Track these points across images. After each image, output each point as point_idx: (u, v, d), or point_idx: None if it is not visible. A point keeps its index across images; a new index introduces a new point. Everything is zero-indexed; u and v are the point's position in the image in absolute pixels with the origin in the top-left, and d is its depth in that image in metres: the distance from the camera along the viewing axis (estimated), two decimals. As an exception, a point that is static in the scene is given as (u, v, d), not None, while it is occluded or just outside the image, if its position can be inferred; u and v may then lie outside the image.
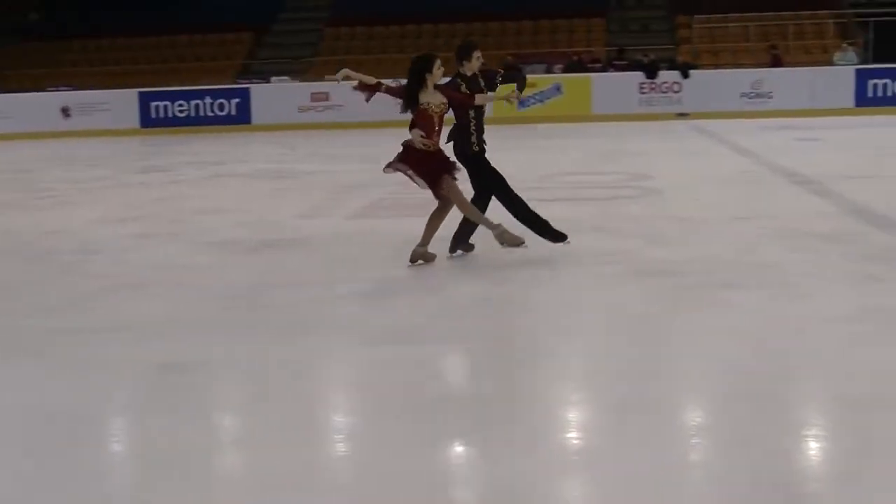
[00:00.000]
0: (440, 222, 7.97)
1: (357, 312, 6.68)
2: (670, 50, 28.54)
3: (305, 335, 6.05)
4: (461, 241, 8.27)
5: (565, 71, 26.54)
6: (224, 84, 27.87)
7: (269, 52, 32.22)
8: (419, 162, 7.75)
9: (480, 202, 8.14)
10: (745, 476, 3.83)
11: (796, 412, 4.65)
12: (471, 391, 5.11)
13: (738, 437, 4.23)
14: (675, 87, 25.00)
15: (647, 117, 24.26)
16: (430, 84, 7.78)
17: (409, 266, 7.87)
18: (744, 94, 24.82)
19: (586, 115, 24.39)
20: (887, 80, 24.59)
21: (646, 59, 25.75)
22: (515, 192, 8.22)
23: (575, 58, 27.15)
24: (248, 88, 26.85)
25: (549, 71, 26.89)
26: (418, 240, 7.95)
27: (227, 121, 26.20)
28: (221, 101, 26.39)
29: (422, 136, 7.72)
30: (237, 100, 26.36)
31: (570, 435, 4.43)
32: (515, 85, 8.49)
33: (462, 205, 7.86)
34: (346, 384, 5.33)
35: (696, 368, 5.26)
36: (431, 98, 7.79)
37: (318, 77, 28.50)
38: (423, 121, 7.78)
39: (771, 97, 24.67)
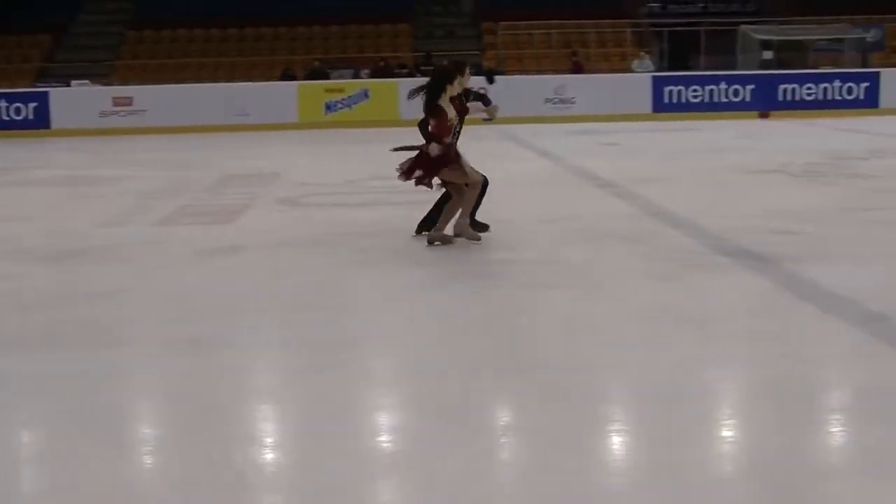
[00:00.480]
0: (457, 210, 8.49)
1: (156, 322, 6.54)
2: (476, 56, 29.00)
3: (108, 347, 5.89)
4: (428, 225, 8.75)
5: (372, 76, 26.63)
6: (21, 87, 26.79)
7: (68, 54, 31.13)
8: (432, 165, 8.33)
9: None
10: (554, 475, 3.92)
11: (600, 409, 4.80)
12: (275, 395, 5.08)
13: (547, 437, 4.34)
14: (481, 93, 25.37)
15: (455, 122, 24.57)
16: (451, 93, 8.41)
17: (427, 247, 8.37)
18: (548, 100, 25.44)
19: (394, 119, 24.50)
20: (681, 87, 25.66)
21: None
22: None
23: (381, 63, 27.28)
24: (46, 92, 25.86)
25: (356, 76, 26.94)
26: (226, 246, 7.87)
27: (25, 125, 25.18)
28: (18, 105, 25.35)
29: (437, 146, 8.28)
30: (35, 104, 25.36)
31: (382, 438, 4.46)
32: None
33: (471, 187, 8.39)
34: (148, 394, 5.21)
35: (502, 368, 5.37)
36: (449, 108, 8.34)
37: (122, 81, 27.82)
38: (443, 129, 8.41)
39: (574, 102, 25.37)
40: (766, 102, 25.70)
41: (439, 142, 8.41)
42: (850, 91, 25.87)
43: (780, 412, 4.59)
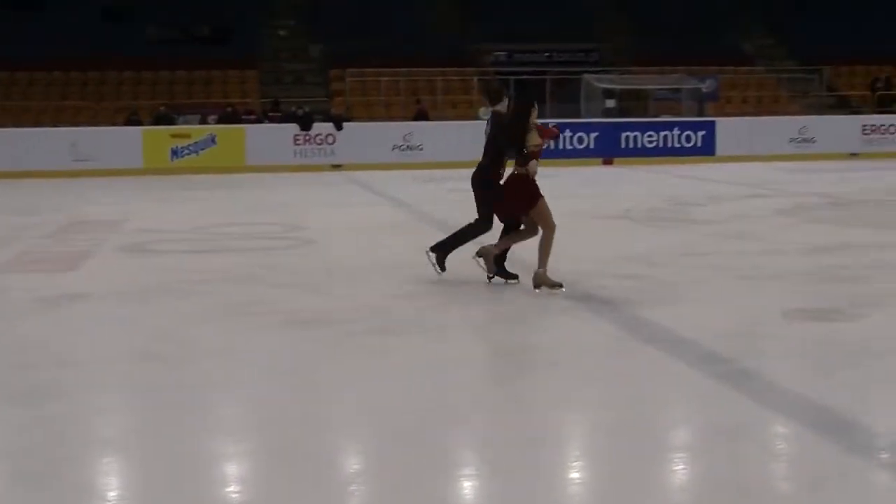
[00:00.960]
0: (520, 241, 8.76)
1: (-2, 374, 6.28)
2: (324, 102, 29.00)
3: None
4: (500, 265, 8.81)
5: (220, 122, 26.35)
6: None
7: None
8: (533, 195, 8.50)
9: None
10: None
11: (450, 454, 4.80)
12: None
13: (395, 483, 4.31)
14: (329, 139, 25.38)
15: (302, 169, 24.47)
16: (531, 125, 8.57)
17: (537, 291, 8.30)
18: (396, 146, 25.58)
19: (240, 166, 24.29)
20: (527, 135, 26.14)
21: (300, 112, 26.03)
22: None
23: (229, 109, 27.03)
24: None
25: (203, 122, 26.60)
26: (68, 293, 7.62)
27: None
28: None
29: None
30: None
31: (230, 489, 4.36)
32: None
33: (548, 227, 8.49)
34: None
35: (351, 415, 5.32)
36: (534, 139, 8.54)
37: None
38: (537, 152, 8.60)
39: (421, 149, 25.57)
40: (609, 149, 26.39)
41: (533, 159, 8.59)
42: (688, 139, 26.78)
43: (626, 453, 4.67)
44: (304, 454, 4.66)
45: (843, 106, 31.70)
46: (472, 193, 9.15)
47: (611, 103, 29.67)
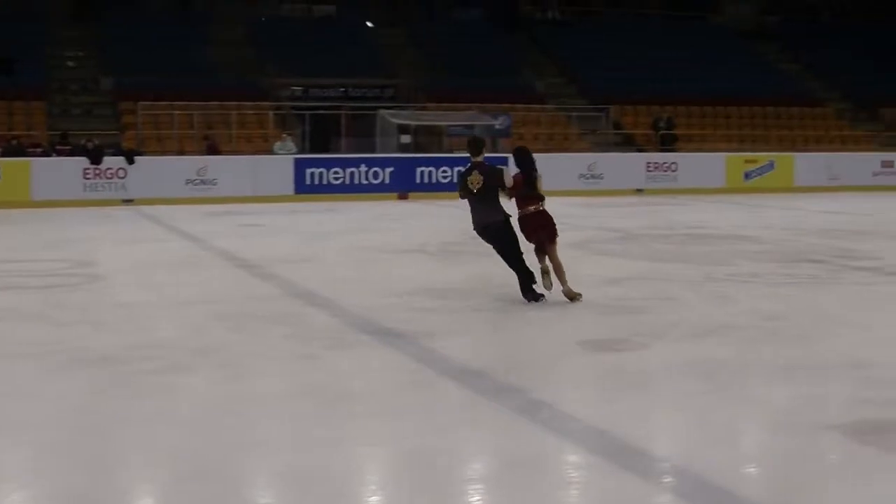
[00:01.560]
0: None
1: None
2: (115, 135, 28.21)
3: None
4: (530, 290, 9.78)
5: (3, 155, 25.25)
6: None
7: None
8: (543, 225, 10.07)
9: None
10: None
11: (244, 491, 4.71)
12: None
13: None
14: (121, 174, 24.69)
15: (92, 203, 23.70)
16: None
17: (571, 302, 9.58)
18: (189, 181, 25.09)
19: (25, 201, 23.33)
20: (323, 170, 26.11)
21: (90, 145, 25.22)
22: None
23: (14, 141, 25.94)
24: None
25: (-15, 154, 25.42)
26: None
27: None
28: None
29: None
30: None
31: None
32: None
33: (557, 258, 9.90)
34: None
35: (142, 457, 5.17)
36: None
37: None
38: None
39: (215, 184, 25.18)
40: (404, 184, 26.64)
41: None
42: (481, 174, 27.29)
43: (422, 485, 4.69)
44: (92, 500, 4.49)
45: (629, 144, 32.98)
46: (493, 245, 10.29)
47: (406, 139, 29.96)
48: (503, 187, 10.10)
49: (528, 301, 9.72)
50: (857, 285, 11.22)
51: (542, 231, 10.04)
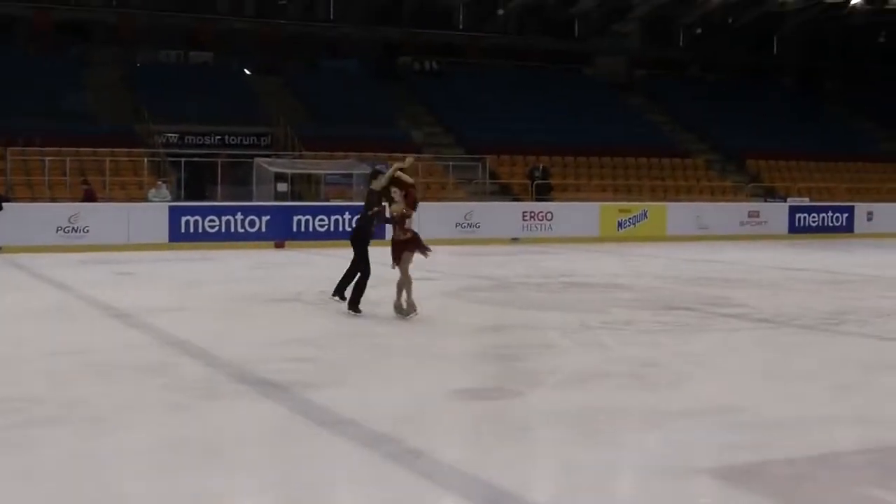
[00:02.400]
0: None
1: None
2: (-17, 181, 27.42)
3: None
4: (342, 291, 13.04)
5: None
6: None
7: None
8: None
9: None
10: None
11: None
12: None
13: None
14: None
15: (-43, 251, 22.94)
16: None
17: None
18: (60, 228, 24.49)
19: None
20: (198, 217, 25.76)
21: (-43, 191, 24.48)
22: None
23: None
24: None
25: None
26: None
27: None
28: None
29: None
30: None
31: None
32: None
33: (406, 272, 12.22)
34: None
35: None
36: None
37: None
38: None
39: (88, 231, 24.62)
40: (281, 233, 26.44)
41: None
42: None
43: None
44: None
45: (505, 193, 33.38)
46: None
47: (283, 187, 29.81)
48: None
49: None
50: (725, 332, 11.50)
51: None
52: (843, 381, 8.46)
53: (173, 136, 32.54)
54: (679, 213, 31.34)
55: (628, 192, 34.09)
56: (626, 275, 18.13)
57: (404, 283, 12.15)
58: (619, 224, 30.14)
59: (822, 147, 40.82)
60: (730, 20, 46.42)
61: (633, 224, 30.24)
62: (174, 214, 25.62)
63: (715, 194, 35.61)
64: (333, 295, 13.52)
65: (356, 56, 40.93)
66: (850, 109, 46.65)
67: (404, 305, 12.10)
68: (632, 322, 11.98)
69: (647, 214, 30.78)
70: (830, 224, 33.72)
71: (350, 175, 30.64)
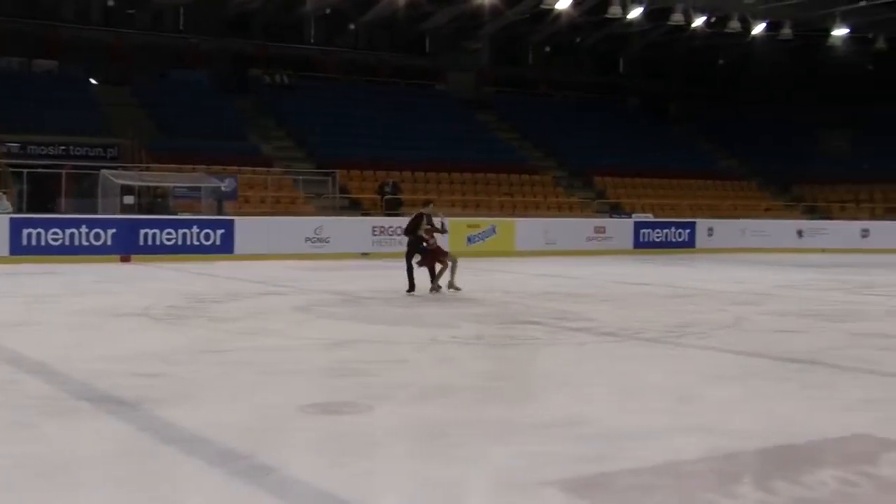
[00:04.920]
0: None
1: None
2: None
3: None
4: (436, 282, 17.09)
5: None
6: None
7: None
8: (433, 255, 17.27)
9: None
10: None
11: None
12: None
13: None
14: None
15: None
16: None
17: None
18: None
19: None
20: (41, 230, 25.00)
21: None
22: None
23: None
24: None
25: None
26: None
27: None
28: None
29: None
30: None
31: None
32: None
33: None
34: None
35: None
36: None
37: None
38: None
39: (-79, 244, 23.64)
40: (127, 246, 25.85)
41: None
42: (207, 237, 26.86)
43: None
44: None
45: (355, 208, 33.38)
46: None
47: (129, 199, 29.15)
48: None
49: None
50: (572, 345, 11.73)
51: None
52: (684, 392, 8.74)
53: (15, 146, 31.47)
54: (527, 229, 31.88)
55: (477, 208, 34.50)
56: (476, 289, 18.32)
57: (455, 265, 17.41)
58: (469, 239, 30.47)
59: (665, 165, 42.15)
60: (578, 40, 47.50)
61: (483, 239, 30.62)
62: (15, 227, 24.81)
63: (562, 210, 36.35)
64: (432, 291, 17.26)
65: (206, 68, 40.35)
66: (691, 130, 48.30)
67: (456, 283, 17.34)
68: (481, 336, 12.12)
69: (496, 230, 31.20)
70: (673, 239, 34.84)
71: (198, 188, 30.16)
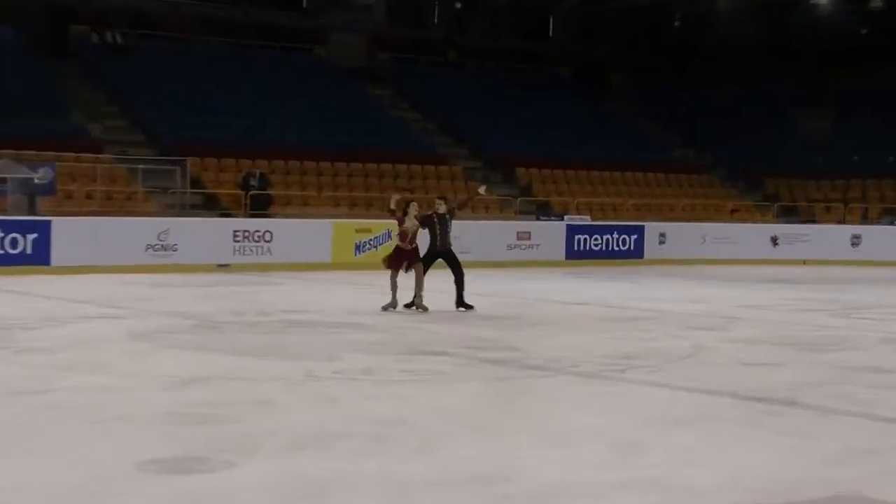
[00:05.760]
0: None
1: None
2: None
3: None
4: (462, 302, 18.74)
5: None
6: None
7: None
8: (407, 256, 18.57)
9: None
10: None
11: None
12: None
13: None
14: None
15: None
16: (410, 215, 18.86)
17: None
18: None
19: None
20: None
21: None
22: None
23: None
24: None
25: None
26: None
27: None
28: None
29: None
30: None
31: None
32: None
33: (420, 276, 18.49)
34: None
35: None
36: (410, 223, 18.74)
37: None
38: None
39: None
40: None
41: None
42: (14, 243, 26.22)
43: None
44: None
45: (212, 206, 33.07)
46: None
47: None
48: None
49: (467, 309, 18.56)
50: (488, 381, 11.78)
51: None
52: (629, 439, 8.83)
53: None
54: (431, 234, 31.87)
55: (369, 208, 34.42)
56: (366, 311, 18.32)
57: (421, 282, 18.52)
58: (357, 247, 30.41)
59: (606, 154, 42.52)
60: (496, -4, 47.73)
61: (375, 247, 30.51)
62: None
63: (477, 210, 36.42)
64: (458, 307, 18.68)
65: (14, 22, 39.57)
66: (638, 110, 48.78)
67: (424, 301, 18.46)
68: (371, 371, 12.13)
69: (392, 235, 31.14)
70: (616, 248, 35.21)
71: (3, 180, 29.53)
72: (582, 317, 18.39)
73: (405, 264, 18.55)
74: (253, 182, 32.79)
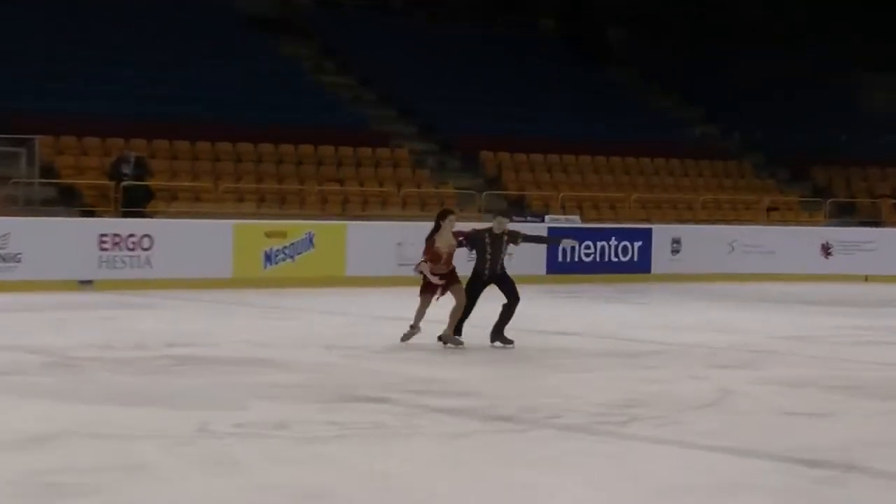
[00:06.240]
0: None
1: None
2: None
3: None
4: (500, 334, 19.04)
5: None
6: None
7: None
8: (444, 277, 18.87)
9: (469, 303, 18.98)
10: None
11: None
12: None
13: None
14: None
15: None
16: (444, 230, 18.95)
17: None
18: None
19: None
20: None
21: None
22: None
23: None
24: None
25: None
26: None
27: None
28: None
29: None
30: None
31: None
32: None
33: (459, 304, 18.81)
34: None
35: None
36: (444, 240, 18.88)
37: None
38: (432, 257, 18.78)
39: None
40: None
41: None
42: None
43: None
44: None
45: (70, 202, 32.91)
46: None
47: None
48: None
49: (504, 344, 18.77)
50: (440, 438, 11.76)
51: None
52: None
53: None
54: (367, 239, 31.80)
55: (283, 204, 34.38)
56: (279, 343, 18.31)
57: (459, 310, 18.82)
58: (267, 256, 30.31)
59: (601, 134, 42.66)
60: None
61: (291, 257, 30.52)
62: None
63: (428, 207, 36.29)
64: (494, 341, 18.99)
65: None
66: (643, 75, 48.86)
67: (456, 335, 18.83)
68: (286, 424, 12.10)
69: (315, 240, 31.05)
70: (614, 259, 35.27)
71: None
72: (568, 351, 18.43)
73: (440, 290, 18.70)
74: (126, 169, 32.61)
